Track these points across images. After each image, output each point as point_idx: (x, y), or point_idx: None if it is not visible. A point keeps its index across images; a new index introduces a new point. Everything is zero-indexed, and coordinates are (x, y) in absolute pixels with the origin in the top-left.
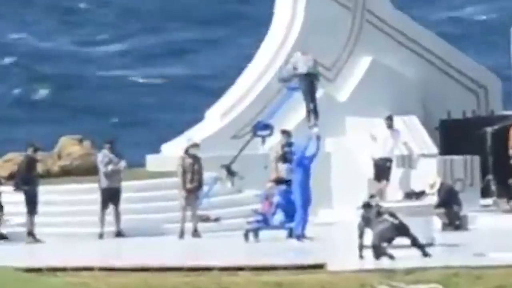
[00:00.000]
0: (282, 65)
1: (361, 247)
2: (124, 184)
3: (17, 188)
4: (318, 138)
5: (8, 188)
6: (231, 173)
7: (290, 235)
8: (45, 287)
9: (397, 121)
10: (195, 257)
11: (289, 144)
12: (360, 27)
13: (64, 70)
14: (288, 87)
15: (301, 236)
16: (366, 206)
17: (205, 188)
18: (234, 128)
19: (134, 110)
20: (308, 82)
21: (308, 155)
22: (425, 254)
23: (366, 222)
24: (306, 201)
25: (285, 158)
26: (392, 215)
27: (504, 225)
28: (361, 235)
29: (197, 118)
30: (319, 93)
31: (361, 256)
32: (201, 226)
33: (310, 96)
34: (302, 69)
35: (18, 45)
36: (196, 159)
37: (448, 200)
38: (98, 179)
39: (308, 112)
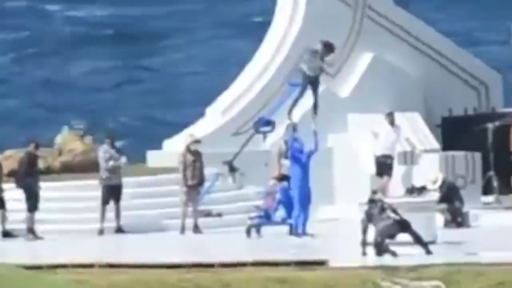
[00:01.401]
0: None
1: (364, 243)
2: (125, 180)
3: (20, 185)
4: (315, 134)
5: (9, 185)
6: (232, 169)
7: (292, 231)
8: (45, 284)
9: (399, 117)
10: (196, 253)
11: (294, 139)
12: (361, 23)
13: None
14: (290, 83)
15: (300, 233)
16: (371, 201)
17: (206, 184)
18: (235, 124)
19: None
20: (310, 81)
21: (305, 152)
22: (428, 252)
23: (369, 218)
24: (305, 197)
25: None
26: (394, 211)
27: (506, 222)
28: (364, 231)
29: (199, 114)
30: (320, 89)
31: (364, 253)
32: (202, 221)
33: (312, 91)
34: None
35: None
36: (197, 155)
37: (450, 197)
38: (99, 175)
39: (292, 105)
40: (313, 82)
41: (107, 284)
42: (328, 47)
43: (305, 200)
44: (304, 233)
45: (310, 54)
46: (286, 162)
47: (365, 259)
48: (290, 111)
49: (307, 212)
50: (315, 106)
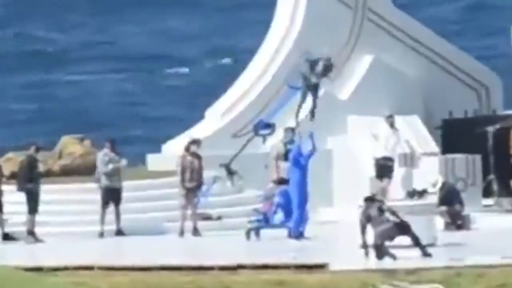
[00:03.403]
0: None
1: (365, 245)
2: (125, 183)
3: (21, 188)
4: (311, 136)
5: (9, 188)
6: (230, 172)
7: (290, 234)
8: (46, 287)
9: (399, 120)
10: (195, 256)
11: (292, 142)
12: (361, 26)
13: None
14: (290, 85)
15: (299, 236)
16: (369, 200)
17: (204, 187)
18: (234, 127)
19: None
20: (311, 85)
21: (304, 154)
22: (426, 254)
23: (367, 219)
24: (303, 200)
25: (287, 156)
26: (393, 213)
27: (506, 225)
28: (363, 231)
29: (198, 117)
30: (320, 92)
31: (366, 254)
32: (202, 225)
33: (309, 96)
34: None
35: None
36: (196, 158)
37: (450, 200)
38: (98, 178)
39: (298, 109)
40: (314, 86)
41: (107, 286)
42: (328, 67)
43: (304, 202)
44: (302, 236)
45: (309, 66)
46: (285, 165)
47: (365, 262)
48: (297, 116)
49: (306, 215)
50: (313, 111)
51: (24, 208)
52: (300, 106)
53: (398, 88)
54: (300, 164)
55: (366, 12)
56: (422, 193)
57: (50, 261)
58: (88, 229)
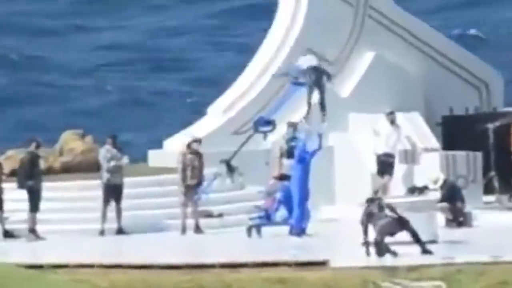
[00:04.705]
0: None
1: (367, 243)
2: (126, 180)
3: (21, 185)
4: (320, 135)
5: (9, 185)
6: (230, 169)
7: (292, 231)
8: (46, 284)
9: (400, 117)
10: (197, 254)
11: (293, 139)
12: (362, 23)
13: None
14: (293, 82)
15: (301, 233)
16: (369, 200)
17: (204, 184)
18: (235, 124)
19: None
20: (316, 77)
21: (309, 151)
22: (425, 251)
23: (368, 217)
24: (304, 197)
25: (289, 153)
26: (392, 209)
27: (507, 222)
28: (365, 231)
29: (200, 113)
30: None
31: (368, 252)
32: (203, 222)
33: (317, 90)
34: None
35: None
36: (197, 155)
37: (452, 197)
38: (100, 175)
39: (309, 106)
40: (317, 78)
41: (107, 284)
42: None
43: (305, 199)
44: (304, 233)
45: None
46: (287, 162)
47: (366, 259)
48: (308, 112)
49: (307, 212)
50: (323, 104)
51: (25, 205)
52: (309, 102)
53: (399, 85)
54: (305, 161)
55: (367, 10)
56: (422, 190)
57: (51, 258)
58: (89, 227)
